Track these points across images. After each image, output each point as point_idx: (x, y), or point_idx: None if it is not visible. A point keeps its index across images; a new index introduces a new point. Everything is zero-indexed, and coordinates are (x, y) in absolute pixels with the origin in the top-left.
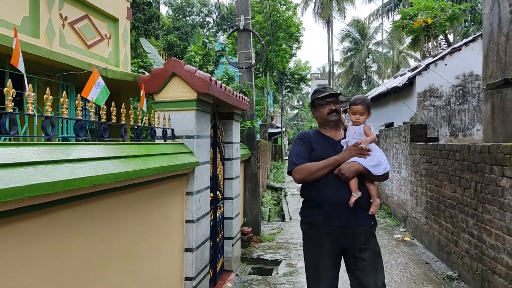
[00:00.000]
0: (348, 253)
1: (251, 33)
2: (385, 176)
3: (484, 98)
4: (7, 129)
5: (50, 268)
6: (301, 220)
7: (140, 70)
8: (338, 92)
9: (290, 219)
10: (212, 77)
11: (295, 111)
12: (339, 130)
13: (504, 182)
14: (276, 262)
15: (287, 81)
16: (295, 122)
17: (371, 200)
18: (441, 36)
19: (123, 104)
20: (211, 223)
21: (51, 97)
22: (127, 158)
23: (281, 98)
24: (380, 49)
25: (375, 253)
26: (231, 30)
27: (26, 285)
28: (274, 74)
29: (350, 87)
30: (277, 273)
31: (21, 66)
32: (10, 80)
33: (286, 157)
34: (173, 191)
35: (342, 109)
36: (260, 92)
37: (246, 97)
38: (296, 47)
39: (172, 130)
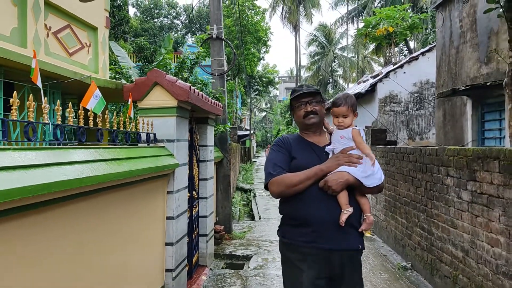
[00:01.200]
0: (334, 285)
1: (223, 41)
2: (379, 188)
3: (437, 105)
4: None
5: (52, 256)
6: (280, 240)
7: (117, 76)
8: (315, 89)
9: (260, 218)
10: (191, 86)
11: (263, 114)
12: (323, 135)
13: (449, 181)
14: (247, 258)
15: (256, 84)
16: (263, 124)
17: (364, 217)
18: (403, 43)
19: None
20: (188, 221)
21: (34, 103)
22: (115, 161)
23: (249, 101)
24: (346, 53)
25: None
26: (205, 38)
27: (27, 277)
28: (243, 77)
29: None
30: (248, 267)
31: (39, 83)
32: (15, 92)
33: (255, 159)
34: (156, 190)
35: (324, 107)
36: (229, 95)
37: (219, 103)
38: (264, 51)
39: (154, 134)
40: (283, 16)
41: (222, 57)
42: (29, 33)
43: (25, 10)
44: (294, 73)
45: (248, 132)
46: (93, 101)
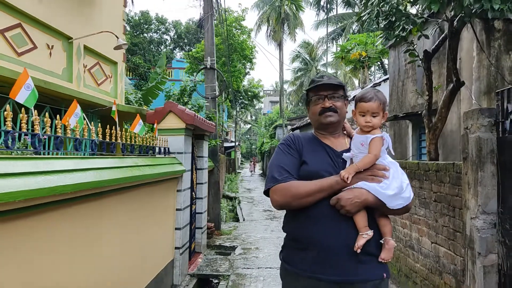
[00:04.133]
0: None
1: (215, 71)
2: (406, 209)
3: (389, 126)
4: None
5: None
6: (281, 264)
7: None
8: (338, 82)
9: (244, 220)
10: (195, 113)
11: (248, 126)
12: (342, 138)
13: None
14: (233, 248)
15: (241, 98)
16: (248, 136)
17: (382, 241)
18: (378, 65)
19: (123, 128)
20: (189, 214)
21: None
22: (143, 167)
23: (235, 114)
24: (328, 70)
25: None
26: (201, 68)
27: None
28: (229, 91)
29: (300, 105)
30: (234, 253)
31: (117, 119)
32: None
33: (239, 170)
34: (170, 189)
35: (347, 105)
36: (216, 108)
37: (212, 122)
38: (250, 68)
39: (168, 148)
40: (268, 34)
41: (214, 83)
42: (74, 71)
43: (71, 54)
44: (279, 87)
45: (233, 144)
46: (24, 92)
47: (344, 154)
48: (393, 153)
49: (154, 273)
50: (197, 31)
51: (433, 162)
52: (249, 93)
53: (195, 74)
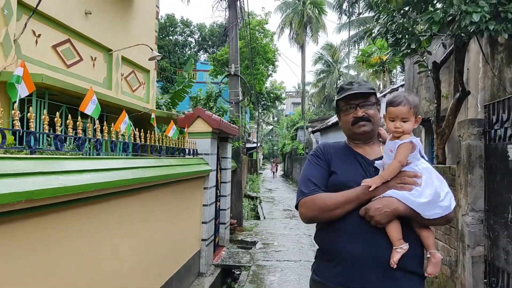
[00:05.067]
0: None
1: (239, 77)
2: (447, 219)
3: None
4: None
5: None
6: (311, 276)
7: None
8: (369, 88)
9: (264, 218)
10: (221, 119)
11: (270, 127)
12: (376, 145)
13: None
14: (254, 243)
15: (263, 99)
16: (270, 137)
17: (427, 255)
18: (400, 69)
19: (153, 131)
20: (214, 210)
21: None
22: (175, 166)
23: (257, 115)
24: (351, 72)
25: None
26: (226, 75)
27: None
28: (251, 93)
29: (322, 107)
30: (255, 248)
31: (155, 124)
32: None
33: (261, 171)
34: (198, 186)
35: (380, 110)
36: (240, 112)
37: (235, 126)
38: (272, 71)
39: (196, 150)
40: (291, 37)
41: (238, 89)
42: (113, 80)
43: (111, 65)
44: (301, 89)
45: (255, 145)
46: (91, 106)
47: (376, 162)
48: (426, 158)
49: (184, 261)
50: (220, 34)
51: (437, 165)
52: (272, 94)
53: (220, 80)
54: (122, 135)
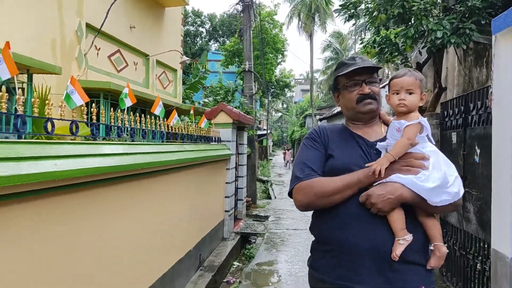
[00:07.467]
0: None
1: (252, 73)
2: (455, 206)
3: None
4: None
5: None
6: (309, 272)
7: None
8: (373, 64)
9: (275, 197)
10: (240, 112)
11: (280, 114)
12: (376, 126)
13: None
14: (267, 217)
15: (273, 87)
16: (279, 124)
17: (431, 247)
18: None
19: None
20: (234, 188)
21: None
22: (203, 150)
23: (267, 103)
24: None
25: None
26: (240, 71)
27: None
28: (261, 82)
29: (330, 93)
30: (267, 220)
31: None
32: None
33: (271, 158)
34: (222, 167)
35: (380, 88)
36: (253, 104)
37: (250, 116)
38: (281, 60)
39: (220, 137)
40: (299, 25)
41: (251, 84)
42: (150, 80)
43: (148, 67)
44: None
45: (265, 132)
46: (158, 109)
47: (379, 143)
48: (433, 141)
49: (212, 226)
50: (231, 24)
51: None
52: (281, 82)
53: (236, 76)
54: (173, 127)
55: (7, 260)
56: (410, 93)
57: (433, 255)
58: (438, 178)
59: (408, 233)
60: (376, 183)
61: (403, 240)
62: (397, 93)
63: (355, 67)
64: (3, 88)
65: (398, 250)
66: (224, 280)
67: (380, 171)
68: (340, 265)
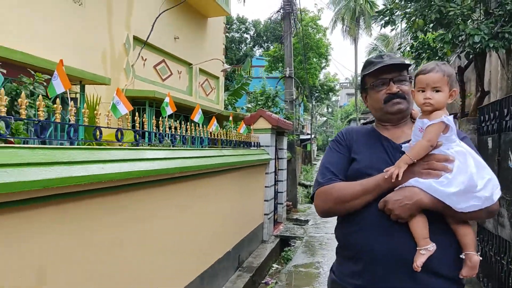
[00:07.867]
0: None
1: (293, 79)
2: (488, 212)
3: None
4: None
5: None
6: (329, 276)
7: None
8: (402, 61)
9: None
10: (278, 117)
11: (324, 119)
12: (406, 127)
13: None
14: (307, 221)
15: (317, 92)
16: (324, 128)
17: (462, 256)
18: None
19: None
20: (273, 192)
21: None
22: (244, 155)
23: (311, 107)
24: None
25: None
26: (281, 77)
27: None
28: (304, 86)
29: None
30: (307, 224)
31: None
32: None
33: (315, 162)
34: (261, 171)
35: (411, 85)
36: (294, 109)
37: (290, 122)
38: (325, 65)
39: (259, 142)
40: (343, 30)
41: (292, 89)
42: (193, 88)
43: (191, 76)
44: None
45: (309, 137)
46: (198, 116)
47: (403, 145)
48: (467, 137)
49: (252, 228)
50: (275, 29)
51: None
52: (325, 87)
53: (277, 82)
54: (213, 133)
55: (74, 248)
56: (437, 91)
57: (464, 265)
58: (462, 182)
59: (431, 243)
60: (397, 188)
61: (425, 250)
62: (423, 91)
63: (382, 65)
64: (57, 100)
65: (419, 260)
66: (262, 281)
67: (398, 175)
68: (360, 272)
